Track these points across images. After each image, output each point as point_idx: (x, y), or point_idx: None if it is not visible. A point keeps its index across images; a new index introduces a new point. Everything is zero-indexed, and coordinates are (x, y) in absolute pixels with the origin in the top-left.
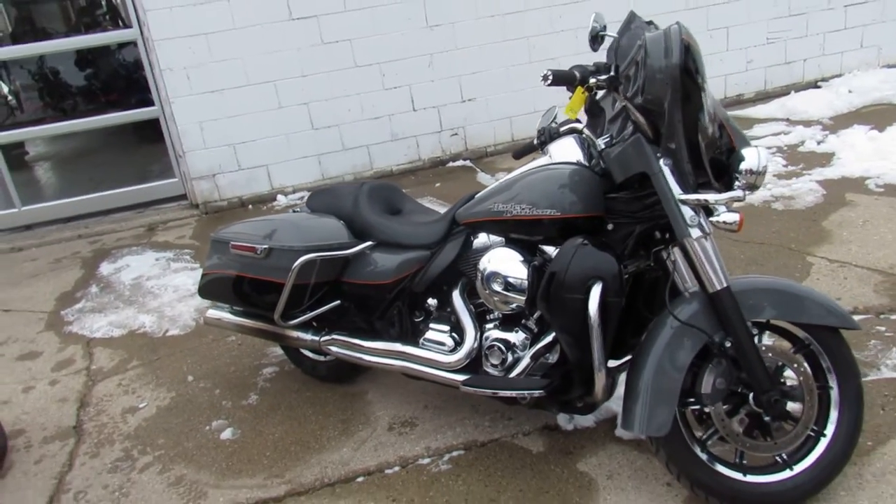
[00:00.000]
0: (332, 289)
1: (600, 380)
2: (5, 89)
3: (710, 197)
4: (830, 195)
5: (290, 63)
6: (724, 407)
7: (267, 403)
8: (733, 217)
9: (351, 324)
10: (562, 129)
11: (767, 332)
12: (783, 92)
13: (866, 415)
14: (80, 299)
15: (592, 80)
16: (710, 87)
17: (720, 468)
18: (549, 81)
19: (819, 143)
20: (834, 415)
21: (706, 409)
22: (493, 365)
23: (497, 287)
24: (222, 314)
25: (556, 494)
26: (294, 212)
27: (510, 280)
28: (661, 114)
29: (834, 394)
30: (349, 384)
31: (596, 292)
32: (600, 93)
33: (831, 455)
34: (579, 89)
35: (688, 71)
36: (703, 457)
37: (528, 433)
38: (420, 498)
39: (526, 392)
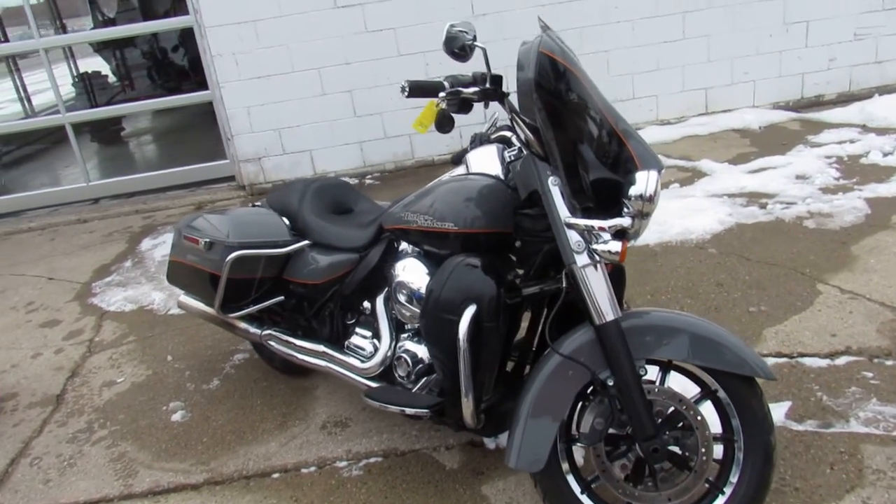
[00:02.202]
0: (279, 284)
1: (467, 406)
2: (108, 68)
3: (593, 223)
4: (874, 216)
5: (334, 50)
6: (607, 448)
7: (224, 390)
8: (616, 247)
9: (294, 321)
10: (492, 136)
11: (673, 374)
12: (869, 95)
13: (810, 471)
14: (112, 273)
15: (442, 94)
16: (601, 102)
17: None
18: (406, 93)
19: (886, 155)
20: (736, 472)
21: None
22: (400, 377)
23: (402, 298)
24: (189, 300)
25: None
26: (253, 206)
27: (413, 292)
28: (538, 130)
29: (739, 448)
30: (303, 378)
31: (468, 315)
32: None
33: None
34: (431, 102)
35: (545, 87)
36: (584, 498)
37: (450, 447)
38: (319, 501)
39: (410, 410)
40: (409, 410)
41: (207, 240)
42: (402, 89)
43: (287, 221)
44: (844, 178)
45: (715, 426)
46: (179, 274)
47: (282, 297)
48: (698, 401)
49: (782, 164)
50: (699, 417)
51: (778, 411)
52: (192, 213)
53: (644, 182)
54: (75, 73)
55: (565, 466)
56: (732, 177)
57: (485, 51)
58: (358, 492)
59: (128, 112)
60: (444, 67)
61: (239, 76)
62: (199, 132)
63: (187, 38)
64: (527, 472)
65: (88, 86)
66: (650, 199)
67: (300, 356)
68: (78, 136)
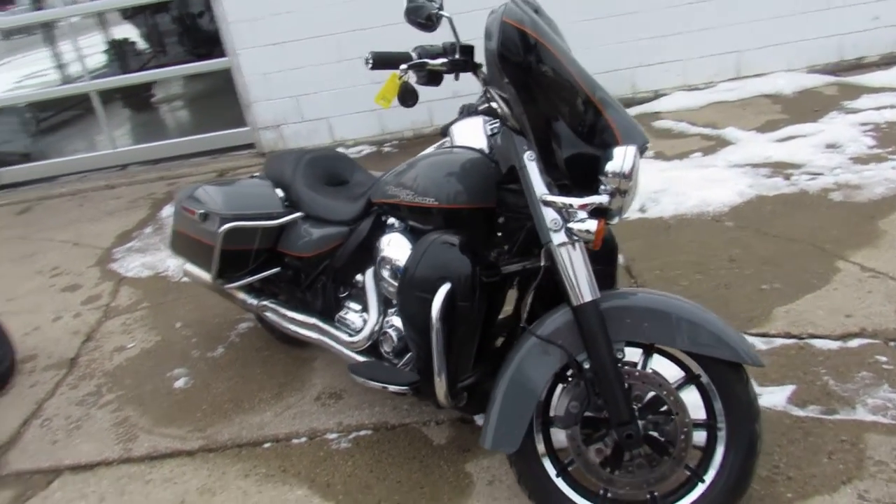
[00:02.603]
0: (275, 256)
1: (440, 385)
2: (137, 34)
3: (569, 200)
4: None
5: (351, 16)
6: (585, 431)
7: (227, 358)
8: (592, 226)
9: (290, 293)
10: (480, 107)
11: (656, 358)
12: None
13: (806, 460)
14: (132, 239)
15: (402, 66)
16: (577, 72)
17: (576, 497)
18: (370, 65)
19: None
20: (718, 459)
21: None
22: (386, 352)
23: (385, 273)
24: (192, 269)
25: (430, 492)
26: (251, 177)
27: (396, 268)
28: (509, 102)
29: (722, 436)
30: (302, 349)
31: (441, 293)
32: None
33: (706, 503)
34: (393, 75)
35: (510, 58)
36: (559, 482)
37: (440, 423)
38: (306, 472)
39: (391, 387)
40: (390, 387)
41: (202, 211)
42: (367, 61)
43: (281, 193)
44: (879, 147)
45: (699, 412)
46: (180, 244)
47: (278, 269)
48: (681, 386)
49: (813, 132)
50: (679, 403)
51: (779, 395)
52: (214, 179)
53: (621, 158)
54: (107, 41)
55: (541, 448)
56: (758, 146)
57: (450, 20)
58: (344, 464)
59: (146, 79)
60: (464, 33)
61: (255, 42)
62: (226, 99)
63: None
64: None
65: (120, 53)
66: (626, 176)
67: (293, 328)
68: (110, 102)
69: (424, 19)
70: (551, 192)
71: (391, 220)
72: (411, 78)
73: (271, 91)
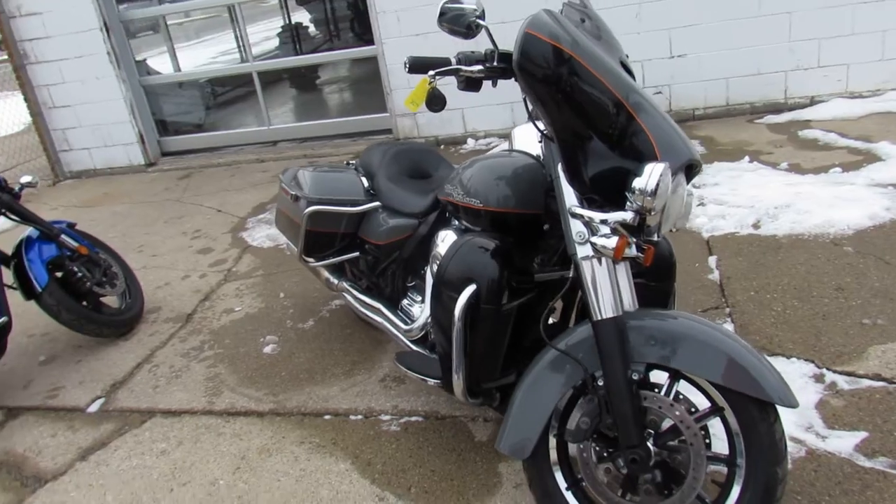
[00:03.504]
0: (356, 241)
1: (457, 383)
2: (308, 18)
3: (593, 214)
4: None
5: (491, 8)
6: (598, 450)
7: (315, 331)
8: (610, 243)
9: (368, 277)
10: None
11: (685, 385)
12: None
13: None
14: (266, 210)
15: (431, 73)
16: (616, 84)
17: None
18: (407, 69)
19: None
20: (733, 497)
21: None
22: (431, 343)
23: (434, 268)
24: (289, 244)
25: (458, 485)
26: (347, 164)
27: None
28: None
29: (740, 474)
30: (379, 332)
31: (465, 294)
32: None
33: None
34: (424, 80)
35: (529, 70)
36: (567, 494)
37: (488, 420)
38: (353, 448)
39: (426, 378)
40: (425, 379)
41: (294, 193)
42: (405, 64)
43: (367, 182)
44: None
45: (722, 446)
46: (280, 220)
47: (357, 254)
48: (704, 417)
49: None
50: (696, 433)
51: (847, 441)
52: (314, 164)
53: (648, 175)
54: (282, 25)
55: (553, 458)
56: None
57: (487, 28)
58: (389, 446)
59: (299, 63)
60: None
61: (400, 33)
62: (376, 85)
63: None
64: None
65: (295, 36)
66: (652, 194)
67: (362, 309)
68: (278, 82)
69: (464, 28)
70: (581, 205)
71: (452, 218)
72: (447, 83)
73: (411, 80)
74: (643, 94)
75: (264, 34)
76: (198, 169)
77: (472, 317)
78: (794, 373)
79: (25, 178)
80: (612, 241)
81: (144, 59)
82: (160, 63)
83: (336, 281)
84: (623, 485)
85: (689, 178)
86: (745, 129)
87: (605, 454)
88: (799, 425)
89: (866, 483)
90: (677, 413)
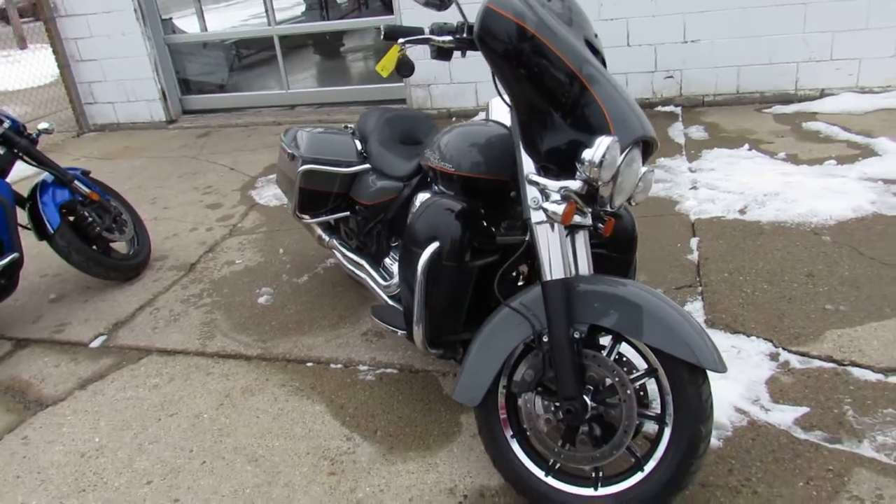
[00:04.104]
0: (348, 201)
1: (417, 334)
2: None
3: (546, 182)
4: None
5: None
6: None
7: (308, 286)
8: (559, 208)
9: (355, 236)
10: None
11: (626, 347)
12: None
13: (781, 479)
14: (275, 171)
15: (401, 40)
16: (574, 60)
17: (525, 460)
18: (382, 36)
19: None
20: (659, 452)
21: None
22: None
23: None
24: (286, 200)
25: (421, 431)
26: (345, 127)
27: None
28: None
29: (667, 431)
30: (368, 290)
31: (428, 251)
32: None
33: (640, 493)
34: (395, 47)
35: (488, 42)
36: (513, 442)
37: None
38: (330, 393)
39: (393, 329)
40: (396, 331)
41: (290, 151)
42: (380, 32)
43: (360, 145)
44: None
45: (656, 405)
46: (279, 177)
47: (347, 213)
48: (640, 377)
49: None
50: (629, 392)
51: (788, 415)
52: (314, 125)
53: (596, 147)
54: None
55: (502, 407)
56: None
57: (457, 2)
58: (362, 393)
59: (317, 30)
60: (617, 9)
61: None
62: None
63: None
64: None
65: (323, 2)
66: (598, 165)
67: (348, 266)
68: (303, 47)
69: (438, 1)
70: (538, 173)
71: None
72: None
73: (426, 51)
74: (601, 70)
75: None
76: (216, 128)
77: (435, 273)
78: (752, 350)
79: (42, 125)
80: (561, 207)
81: (170, 18)
82: (191, 23)
83: (327, 238)
84: (563, 435)
85: (645, 156)
86: (751, 117)
87: (546, 406)
88: (746, 398)
89: (798, 453)
90: (613, 371)
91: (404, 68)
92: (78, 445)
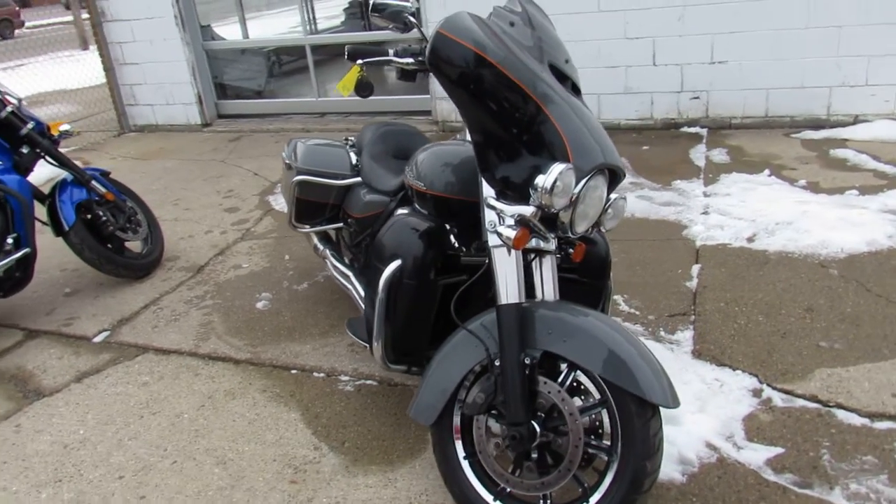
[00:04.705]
0: (341, 213)
1: (376, 348)
2: None
3: (501, 206)
4: None
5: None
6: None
7: (306, 293)
8: (510, 232)
9: (347, 247)
10: None
11: (582, 376)
12: None
13: None
14: None
15: (360, 61)
16: (536, 88)
17: (474, 482)
18: (347, 56)
19: None
20: (605, 484)
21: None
22: None
23: None
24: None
25: (387, 446)
26: (345, 139)
27: None
28: None
29: (614, 464)
30: None
31: (390, 268)
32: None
33: None
34: (355, 67)
35: (440, 68)
36: (464, 463)
37: None
38: (308, 401)
39: (361, 342)
40: (365, 345)
41: (287, 162)
42: (346, 53)
43: (355, 159)
44: None
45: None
46: (282, 187)
47: (341, 225)
48: (591, 407)
49: None
50: (576, 421)
51: (761, 454)
52: (312, 136)
53: (548, 174)
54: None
55: (456, 428)
56: None
57: (418, 24)
58: (338, 403)
59: (345, 41)
60: (643, 28)
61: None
62: None
63: None
64: None
65: (363, 12)
66: (548, 192)
67: (335, 275)
68: (339, 56)
69: (402, 24)
70: (498, 197)
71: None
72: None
73: None
74: (562, 95)
75: (331, 10)
76: (248, 133)
77: (395, 289)
78: (735, 384)
79: (64, 127)
80: (513, 232)
81: (209, 25)
82: (234, 30)
83: (321, 247)
84: (514, 461)
85: (613, 184)
86: (778, 142)
87: (496, 430)
88: (720, 433)
89: (763, 495)
90: (562, 399)
91: (363, 88)
92: (63, 437)
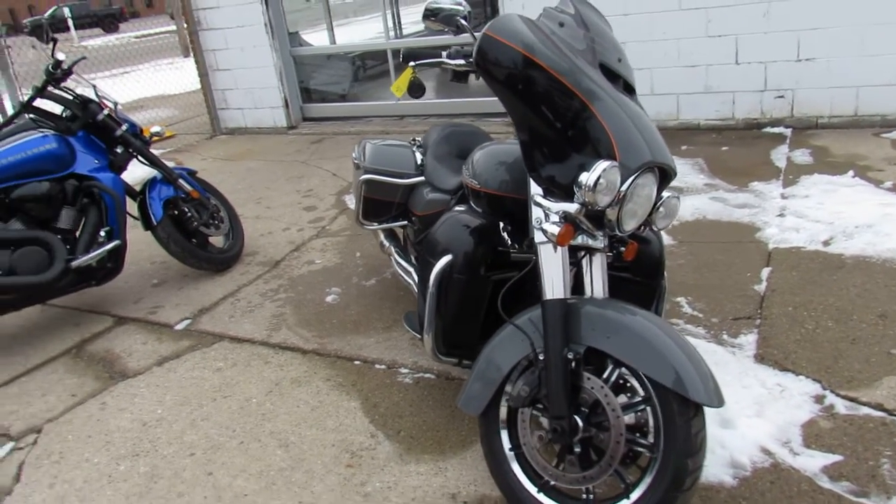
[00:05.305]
0: (407, 211)
1: (427, 341)
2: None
3: (548, 203)
4: None
5: (611, 1)
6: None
7: (374, 289)
8: (554, 229)
9: (412, 244)
10: None
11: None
12: None
13: None
14: None
15: (412, 64)
16: (583, 87)
17: (519, 473)
18: (401, 58)
19: None
20: (646, 482)
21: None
22: None
23: None
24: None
25: (440, 437)
26: (412, 140)
27: None
28: None
29: (655, 461)
30: None
31: (441, 263)
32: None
33: None
34: (408, 69)
35: (488, 70)
36: (510, 454)
37: None
38: (368, 391)
39: (416, 334)
40: (418, 336)
41: (356, 161)
42: (401, 55)
43: (420, 158)
44: None
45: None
46: (353, 186)
47: (405, 223)
48: (635, 405)
49: None
50: (618, 417)
51: (818, 461)
52: (383, 137)
53: (591, 171)
54: None
55: (503, 420)
56: None
57: (468, 27)
58: (396, 394)
59: (425, 45)
60: (726, 25)
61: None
62: None
63: None
64: None
65: None
66: (591, 189)
67: (398, 271)
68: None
69: (455, 27)
70: (546, 195)
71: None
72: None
73: None
74: (612, 94)
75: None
76: (330, 135)
77: (446, 284)
78: (796, 390)
79: (155, 129)
80: (557, 228)
81: (297, 32)
82: (320, 37)
83: (387, 244)
84: (558, 454)
85: (664, 182)
86: (866, 142)
87: (539, 423)
88: (777, 439)
89: (816, 502)
90: (605, 395)
91: (415, 89)
92: (143, 415)
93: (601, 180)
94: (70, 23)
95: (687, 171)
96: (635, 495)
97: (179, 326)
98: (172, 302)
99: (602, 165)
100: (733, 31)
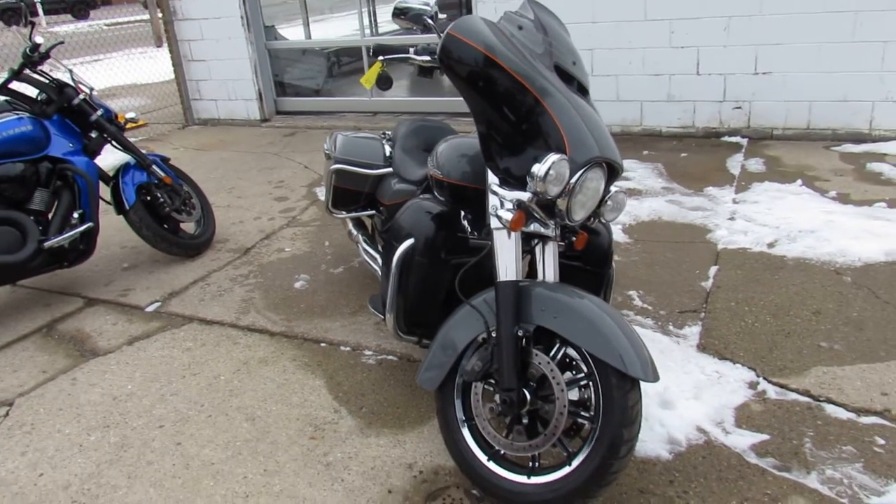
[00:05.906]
0: (375, 200)
1: (389, 319)
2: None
3: (502, 192)
4: None
5: (580, 9)
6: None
7: (341, 276)
8: (507, 215)
9: (379, 233)
10: None
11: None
12: None
13: (716, 497)
14: None
15: (381, 58)
16: (537, 84)
17: (471, 442)
18: (370, 53)
19: None
20: (586, 450)
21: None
22: None
23: None
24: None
25: (400, 413)
26: (383, 134)
27: None
28: None
29: (594, 430)
30: None
31: (404, 246)
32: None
33: (566, 486)
34: (377, 63)
35: (451, 66)
36: (462, 427)
37: None
38: (332, 371)
39: (379, 315)
40: (381, 317)
41: (327, 152)
42: (370, 49)
43: (388, 151)
44: None
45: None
46: (324, 176)
47: (373, 212)
48: (578, 379)
49: None
50: (562, 390)
51: (746, 439)
52: (351, 129)
53: (543, 162)
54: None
55: (458, 395)
56: None
57: (435, 26)
58: (360, 374)
59: (400, 43)
60: (688, 37)
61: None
62: None
63: None
64: None
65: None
66: (542, 180)
67: (365, 258)
68: None
69: (422, 25)
70: (501, 184)
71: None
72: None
73: None
74: (564, 93)
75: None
76: (303, 129)
77: (408, 266)
78: (733, 376)
79: (130, 115)
80: (510, 215)
81: (273, 25)
82: (296, 32)
83: (355, 233)
84: (507, 426)
85: (612, 178)
86: (816, 154)
87: (491, 395)
88: (711, 419)
89: (742, 475)
90: (551, 370)
91: (383, 82)
92: (113, 390)
93: (551, 171)
94: (39, 7)
95: (646, 175)
96: (576, 462)
97: (149, 308)
98: (143, 285)
99: (552, 158)
100: (695, 44)
